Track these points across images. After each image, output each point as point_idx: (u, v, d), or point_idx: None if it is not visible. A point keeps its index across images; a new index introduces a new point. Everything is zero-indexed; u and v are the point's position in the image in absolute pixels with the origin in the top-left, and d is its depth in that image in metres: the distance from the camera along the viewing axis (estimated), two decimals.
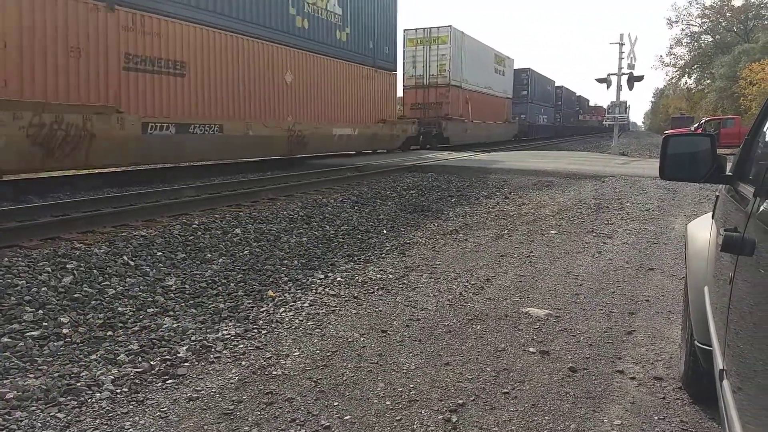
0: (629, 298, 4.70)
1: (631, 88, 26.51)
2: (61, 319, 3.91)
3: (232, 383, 3.14)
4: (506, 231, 7.60)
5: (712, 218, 2.88)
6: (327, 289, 4.96)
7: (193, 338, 3.80)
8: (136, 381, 3.17)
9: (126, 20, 10.68)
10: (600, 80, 27.59)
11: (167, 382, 3.17)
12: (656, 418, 2.80)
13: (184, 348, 3.63)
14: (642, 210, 9.12)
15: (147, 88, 11.25)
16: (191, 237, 6.34)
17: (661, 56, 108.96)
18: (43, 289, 4.32)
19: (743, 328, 1.60)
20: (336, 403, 2.91)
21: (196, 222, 6.98)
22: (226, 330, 3.97)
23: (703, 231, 2.98)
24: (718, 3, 52.72)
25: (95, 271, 4.88)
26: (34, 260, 4.90)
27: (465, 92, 27.81)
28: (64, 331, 3.76)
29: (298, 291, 4.95)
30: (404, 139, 23.02)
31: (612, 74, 27.46)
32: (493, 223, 8.23)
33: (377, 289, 4.94)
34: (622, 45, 27.23)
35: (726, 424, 1.56)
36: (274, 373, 3.27)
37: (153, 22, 11.28)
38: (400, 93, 26.87)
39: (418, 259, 6.06)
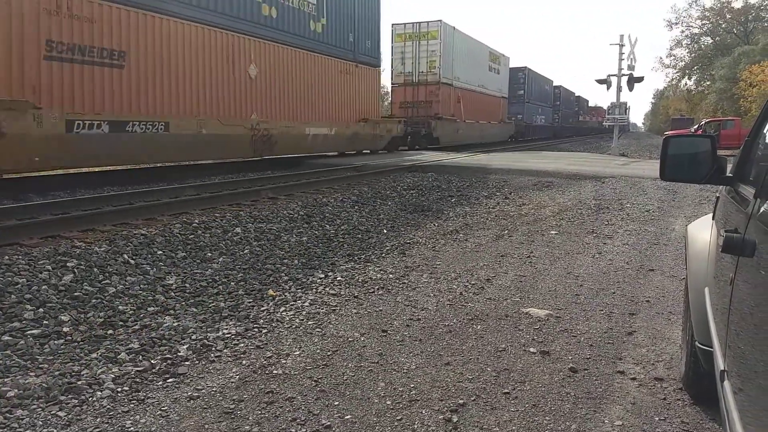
0: (630, 299, 4.70)
1: (631, 89, 26.54)
2: (62, 317, 3.92)
3: (232, 382, 3.14)
4: (506, 231, 7.61)
5: (713, 219, 2.89)
6: (327, 289, 4.96)
7: (193, 337, 3.80)
8: (137, 380, 3.17)
9: (49, 2, 9.21)
10: (600, 81, 27.61)
11: (168, 380, 3.17)
12: (657, 418, 2.80)
13: (185, 347, 3.63)
14: (642, 211, 9.13)
15: (75, 81, 9.76)
16: (192, 236, 6.34)
17: (661, 58, 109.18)
18: (44, 287, 4.32)
19: (744, 329, 1.60)
20: (336, 403, 2.91)
21: (196, 221, 6.98)
22: (226, 329, 3.97)
23: (703, 232, 2.98)
24: (718, 5, 52.77)
25: (96, 269, 4.88)
26: (34, 258, 4.90)
27: (457, 90, 26.79)
28: (65, 329, 3.77)
29: (299, 290, 4.96)
30: (389, 139, 21.60)
31: (612, 75, 27.48)
32: (494, 224, 8.23)
33: (377, 289, 4.94)
34: (622, 46, 27.25)
35: (727, 424, 1.56)
36: (275, 372, 3.27)
37: (84, 5, 9.77)
38: (392, 91, 26.12)
39: (418, 259, 6.07)
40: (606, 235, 7.37)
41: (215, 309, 4.40)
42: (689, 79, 58.96)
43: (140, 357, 3.47)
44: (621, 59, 27.18)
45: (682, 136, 2.98)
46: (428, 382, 3.14)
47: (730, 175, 2.52)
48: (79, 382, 3.08)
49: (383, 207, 9.45)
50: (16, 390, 2.93)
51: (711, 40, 55.81)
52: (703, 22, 54.99)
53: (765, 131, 2.26)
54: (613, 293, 4.86)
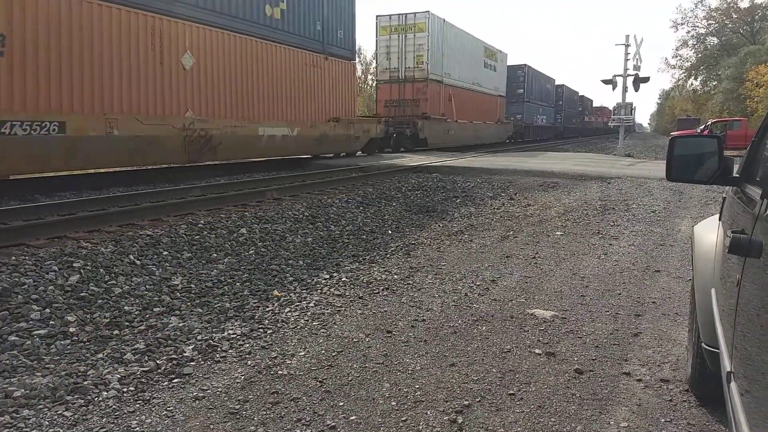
0: (636, 300, 4.69)
1: (636, 89, 26.39)
2: (68, 317, 3.93)
3: (237, 383, 3.15)
4: (512, 232, 7.60)
5: (719, 220, 2.88)
6: (332, 289, 4.97)
7: (199, 337, 3.81)
8: (143, 380, 3.18)
9: None
10: (606, 81, 27.50)
11: (173, 381, 3.18)
12: (663, 420, 2.79)
13: (190, 347, 3.64)
14: (648, 211, 9.09)
15: None
16: (197, 236, 6.36)
17: (666, 59, 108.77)
18: (50, 287, 4.34)
19: (751, 330, 1.59)
20: (341, 404, 2.91)
21: (201, 222, 7.00)
22: (231, 329, 3.98)
23: (709, 233, 2.97)
24: (724, 5, 52.54)
25: (102, 270, 4.90)
26: (40, 259, 4.92)
27: (447, 88, 24.98)
28: (71, 329, 3.78)
29: (304, 291, 4.96)
30: (366, 140, 19.43)
31: (618, 75, 27.37)
32: (499, 224, 8.22)
33: (382, 290, 4.95)
34: (627, 46, 27.15)
35: (733, 426, 1.56)
36: (280, 372, 3.28)
37: None
38: (377, 89, 24.27)
39: (423, 260, 6.06)
40: (612, 236, 7.34)
41: (220, 309, 4.41)
42: (695, 79, 58.74)
43: (146, 357, 3.48)
44: (627, 59, 27.08)
45: (689, 137, 2.97)
46: (433, 383, 3.14)
47: (737, 175, 2.51)
48: (85, 383, 3.09)
49: (388, 208, 9.45)
50: (22, 390, 2.95)
51: (717, 41, 55.58)
52: (709, 22, 54.77)
53: None
54: (619, 294, 4.85)
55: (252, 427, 2.69)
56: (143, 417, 2.77)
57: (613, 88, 27.32)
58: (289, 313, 4.33)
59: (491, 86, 31.69)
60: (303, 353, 3.55)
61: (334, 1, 17.32)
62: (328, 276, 5.45)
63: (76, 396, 2.96)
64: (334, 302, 4.61)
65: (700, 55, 56.75)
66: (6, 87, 8.69)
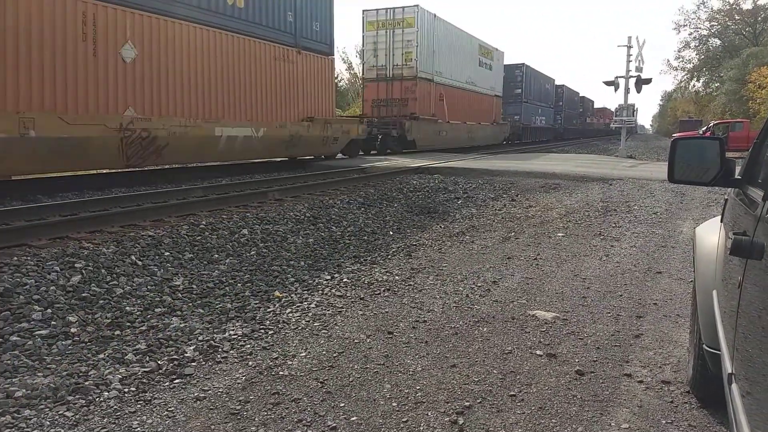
0: (637, 302, 4.68)
1: (639, 90, 26.35)
2: (70, 318, 3.94)
3: (239, 383, 3.15)
4: (513, 233, 7.59)
5: (721, 222, 2.87)
6: (333, 290, 4.97)
7: (200, 338, 3.82)
8: (144, 380, 3.18)
9: None
10: (608, 83, 27.48)
11: (175, 381, 3.19)
12: (664, 422, 2.79)
13: (192, 348, 3.64)
14: (650, 213, 9.09)
15: None
16: (199, 237, 6.36)
17: (668, 60, 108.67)
18: (52, 288, 4.34)
19: (752, 332, 1.59)
20: (342, 404, 2.91)
21: (203, 222, 7.01)
22: (233, 330, 3.98)
23: (711, 234, 2.97)
24: (727, 6, 52.47)
25: (103, 270, 4.90)
26: (42, 259, 4.93)
27: (439, 87, 23.59)
28: (73, 330, 3.79)
29: (305, 292, 4.97)
30: (346, 142, 17.91)
31: (620, 77, 27.35)
32: (500, 225, 8.22)
33: (383, 291, 4.95)
34: (629, 48, 27.13)
35: (735, 428, 1.56)
36: (281, 373, 3.28)
37: None
38: (363, 87, 22.97)
39: (424, 261, 6.06)
40: (613, 237, 7.34)
41: (222, 310, 4.42)
42: (698, 81, 58.65)
43: (147, 358, 3.49)
44: (629, 61, 27.06)
45: (691, 139, 2.96)
46: (434, 384, 3.14)
47: (739, 177, 2.51)
48: (87, 383, 3.10)
49: (389, 209, 9.45)
50: (24, 390, 2.95)
51: (719, 42, 55.51)
52: (712, 23, 54.68)
53: None
54: (621, 296, 4.84)
55: (253, 428, 2.69)
56: (144, 417, 2.77)
57: (615, 90, 27.30)
58: (291, 314, 4.34)
59: (487, 86, 30.33)
60: (304, 354, 3.56)
61: None
62: (329, 277, 5.45)
63: (77, 396, 2.97)
64: (335, 303, 4.61)
65: (702, 57, 56.66)
66: None
